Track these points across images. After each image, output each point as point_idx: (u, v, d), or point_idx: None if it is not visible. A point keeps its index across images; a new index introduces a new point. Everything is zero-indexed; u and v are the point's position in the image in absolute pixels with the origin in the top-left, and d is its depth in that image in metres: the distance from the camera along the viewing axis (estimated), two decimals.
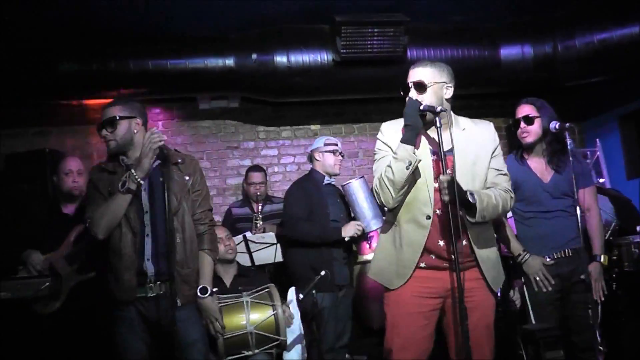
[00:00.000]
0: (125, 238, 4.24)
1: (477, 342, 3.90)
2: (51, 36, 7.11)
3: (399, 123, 4.04)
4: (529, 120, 5.21)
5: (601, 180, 7.79)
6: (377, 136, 4.24)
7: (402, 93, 4.13)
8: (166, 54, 7.35)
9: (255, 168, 7.62)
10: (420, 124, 3.95)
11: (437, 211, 3.98)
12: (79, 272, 5.41)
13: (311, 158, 6.44)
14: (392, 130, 4.14)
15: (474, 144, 4.12)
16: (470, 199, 3.84)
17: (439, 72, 4.09)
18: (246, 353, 5.31)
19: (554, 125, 5.09)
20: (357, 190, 6.09)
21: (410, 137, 3.90)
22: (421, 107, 3.95)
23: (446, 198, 3.76)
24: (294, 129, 8.85)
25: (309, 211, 6.12)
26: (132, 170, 4.14)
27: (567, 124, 5.03)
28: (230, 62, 7.44)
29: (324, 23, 7.52)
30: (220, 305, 5.13)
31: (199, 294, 4.45)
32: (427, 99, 4.01)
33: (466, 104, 8.59)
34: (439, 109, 3.93)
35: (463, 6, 7.51)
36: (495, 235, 4.33)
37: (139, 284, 4.23)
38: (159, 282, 4.23)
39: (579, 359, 5.26)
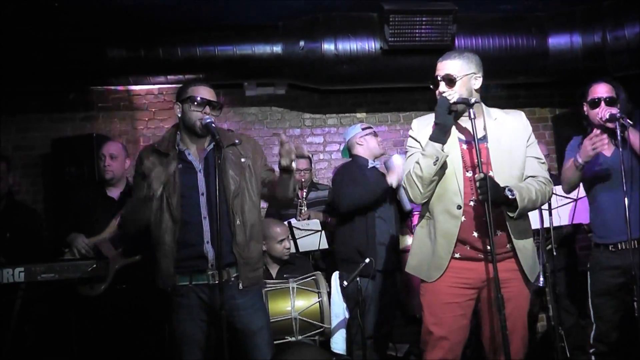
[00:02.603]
0: (165, 225, 4.23)
1: (510, 332, 3.90)
2: (100, 22, 7.16)
3: (430, 118, 4.06)
4: (612, 101, 5.05)
5: None
6: (409, 132, 4.26)
7: (432, 87, 4.14)
8: (214, 40, 7.36)
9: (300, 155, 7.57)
10: (450, 122, 3.97)
11: (471, 202, 3.99)
12: (124, 255, 5.48)
13: (350, 148, 6.39)
14: (422, 125, 4.18)
15: (508, 133, 4.13)
16: (509, 195, 3.84)
17: (467, 63, 4.08)
18: (289, 339, 5.34)
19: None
20: (399, 164, 6.06)
21: (439, 136, 3.93)
22: (453, 101, 3.95)
23: (480, 197, 3.79)
24: (340, 116, 8.80)
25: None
26: None
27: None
28: (278, 49, 7.43)
29: (372, 11, 7.49)
30: (265, 290, 5.16)
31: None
32: (457, 91, 4.00)
33: (513, 93, 8.61)
34: (472, 100, 3.94)
35: None
36: (531, 225, 4.28)
37: (201, 270, 4.22)
38: (220, 269, 4.13)
39: None
